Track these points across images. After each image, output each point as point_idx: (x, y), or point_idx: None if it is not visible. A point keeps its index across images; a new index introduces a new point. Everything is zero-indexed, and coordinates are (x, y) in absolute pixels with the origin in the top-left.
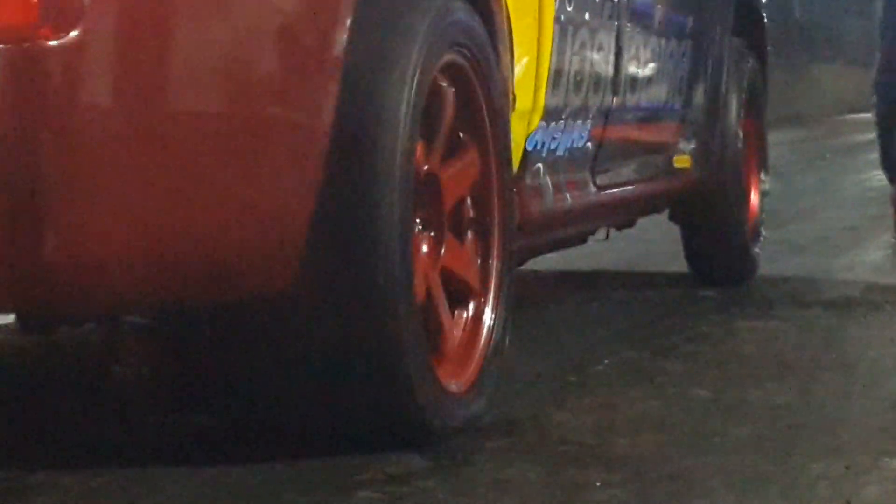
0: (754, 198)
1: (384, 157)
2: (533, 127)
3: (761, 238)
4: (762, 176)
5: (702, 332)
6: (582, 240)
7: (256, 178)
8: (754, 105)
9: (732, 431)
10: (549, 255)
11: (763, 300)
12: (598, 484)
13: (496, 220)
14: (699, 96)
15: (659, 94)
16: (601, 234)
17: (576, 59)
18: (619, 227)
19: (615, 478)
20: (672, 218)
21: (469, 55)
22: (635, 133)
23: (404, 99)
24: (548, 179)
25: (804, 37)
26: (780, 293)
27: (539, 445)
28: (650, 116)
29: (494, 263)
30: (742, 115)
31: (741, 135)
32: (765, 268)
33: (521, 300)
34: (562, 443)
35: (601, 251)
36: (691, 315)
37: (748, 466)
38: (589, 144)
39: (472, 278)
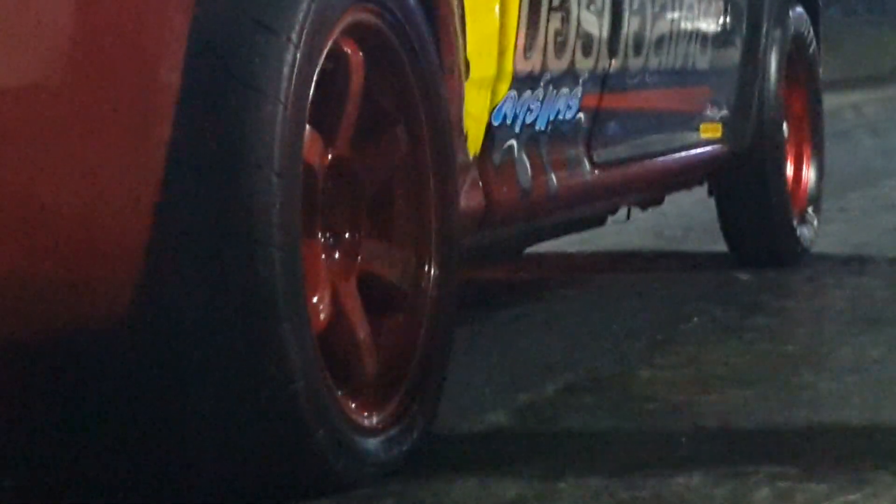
0: (805, 172)
1: (257, 144)
2: (499, 97)
3: (812, 218)
4: (815, 147)
5: (791, 289)
6: (600, 221)
7: (61, 173)
8: (803, 64)
9: (821, 386)
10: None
11: (854, 257)
12: (684, 440)
13: (431, 213)
14: (731, 55)
15: (676, 53)
16: (622, 213)
17: (556, 14)
18: (644, 206)
19: (702, 434)
20: (710, 192)
21: (385, 13)
22: (645, 101)
23: (286, 64)
24: (524, 158)
25: None
26: (872, 250)
27: (626, 402)
28: (665, 81)
29: (430, 268)
30: (785, 75)
31: (782, 99)
32: (858, 224)
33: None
34: (649, 400)
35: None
36: (780, 271)
37: (837, 421)
38: (581, 116)
39: (405, 282)
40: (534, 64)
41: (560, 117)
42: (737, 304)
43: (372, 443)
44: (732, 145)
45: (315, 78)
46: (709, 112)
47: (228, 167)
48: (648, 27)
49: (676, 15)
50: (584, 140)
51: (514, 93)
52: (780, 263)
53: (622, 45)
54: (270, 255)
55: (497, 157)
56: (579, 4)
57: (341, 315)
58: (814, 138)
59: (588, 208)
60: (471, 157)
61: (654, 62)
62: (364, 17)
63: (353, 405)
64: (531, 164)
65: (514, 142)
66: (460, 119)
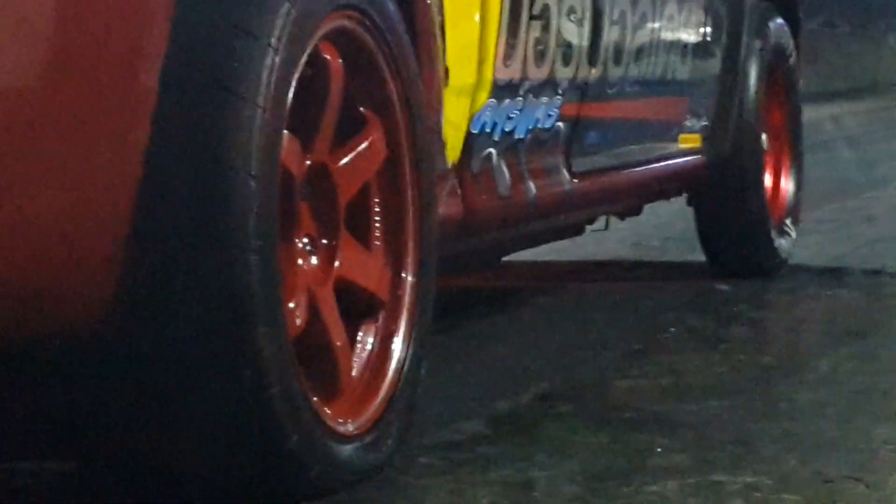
0: (784, 183)
1: (235, 148)
2: (479, 105)
3: (791, 229)
4: (794, 159)
5: (768, 300)
6: (578, 230)
7: (37, 176)
8: (782, 75)
9: (797, 397)
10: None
11: (831, 268)
12: (659, 450)
13: (409, 221)
14: (711, 65)
15: (656, 63)
16: (600, 222)
17: (536, 22)
18: (622, 216)
19: (678, 443)
20: (689, 202)
21: (366, 20)
22: (624, 110)
23: (265, 69)
24: (503, 167)
25: (881, 5)
26: (849, 261)
27: (602, 412)
28: (645, 91)
29: (407, 276)
30: (765, 87)
31: (762, 110)
32: (836, 235)
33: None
34: (625, 409)
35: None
36: (758, 282)
37: (812, 432)
38: (560, 125)
39: (382, 290)
40: (513, 72)
41: (539, 126)
42: (714, 314)
43: (347, 449)
44: (711, 156)
45: (294, 83)
46: (688, 122)
47: (206, 171)
48: (628, 37)
49: (657, 25)
50: (563, 149)
51: (493, 101)
52: (757, 274)
53: (602, 55)
54: (247, 259)
55: (476, 165)
56: (560, 13)
57: (317, 321)
58: (793, 150)
59: (566, 217)
60: (449, 164)
61: (633, 72)
62: (344, 23)
63: (329, 411)
64: (510, 173)
65: (493, 150)
66: (439, 126)
